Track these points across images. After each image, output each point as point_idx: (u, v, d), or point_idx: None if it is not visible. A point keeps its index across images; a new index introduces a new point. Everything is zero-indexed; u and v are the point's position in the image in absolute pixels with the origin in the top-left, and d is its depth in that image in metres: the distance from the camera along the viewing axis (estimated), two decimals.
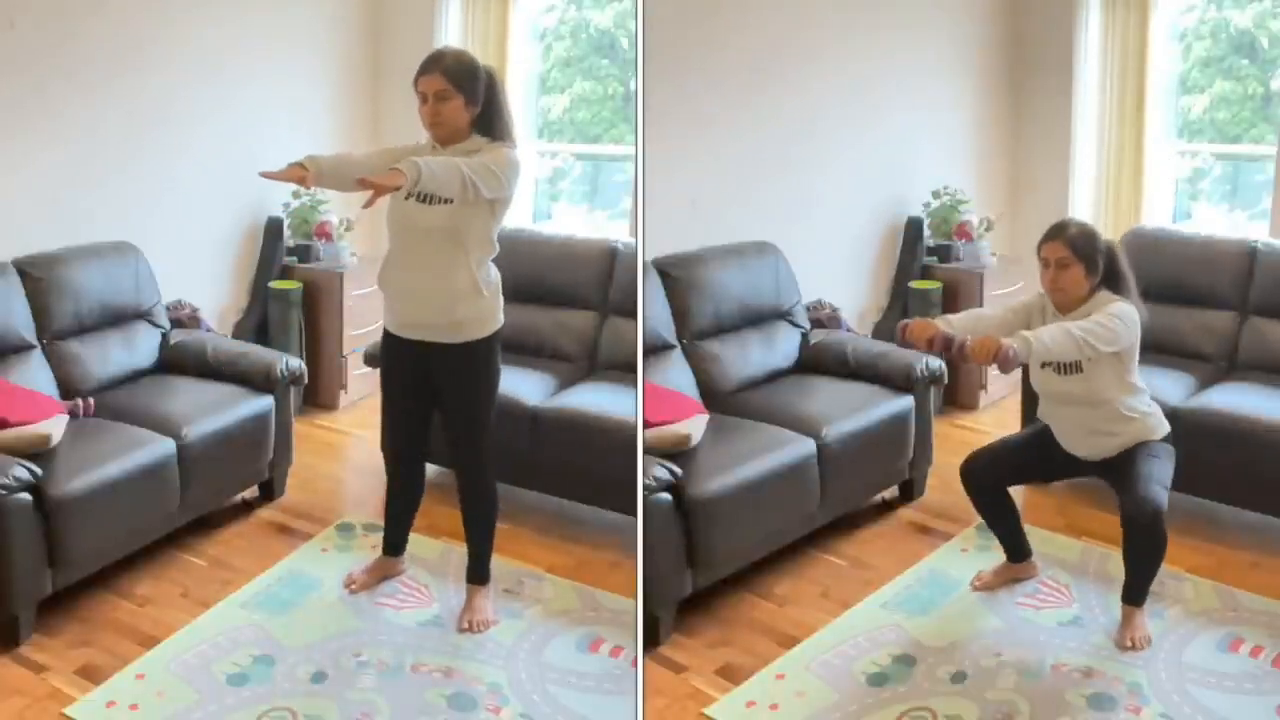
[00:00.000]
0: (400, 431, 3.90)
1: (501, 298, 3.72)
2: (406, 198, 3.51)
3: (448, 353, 3.66)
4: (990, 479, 3.92)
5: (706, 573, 3.88)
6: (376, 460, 4.36)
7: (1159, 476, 3.65)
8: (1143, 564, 3.67)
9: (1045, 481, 4.16)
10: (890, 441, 4.51)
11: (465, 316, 3.64)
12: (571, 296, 4.87)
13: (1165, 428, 3.76)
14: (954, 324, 3.66)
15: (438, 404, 3.77)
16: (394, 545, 4.04)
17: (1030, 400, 4.03)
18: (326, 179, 3.59)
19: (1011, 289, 5.30)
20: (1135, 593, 3.72)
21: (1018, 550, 4.02)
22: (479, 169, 3.45)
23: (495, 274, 3.70)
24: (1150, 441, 3.72)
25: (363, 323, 5.19)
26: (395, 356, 3.78)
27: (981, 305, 5.31)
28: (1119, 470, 3.71)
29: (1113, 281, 3.69)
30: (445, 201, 3.50)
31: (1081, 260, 3.64)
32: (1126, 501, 3.62)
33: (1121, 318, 3.58)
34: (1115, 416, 3.69)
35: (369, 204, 3.29)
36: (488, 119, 3.60)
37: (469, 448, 3.78)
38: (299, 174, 3.51)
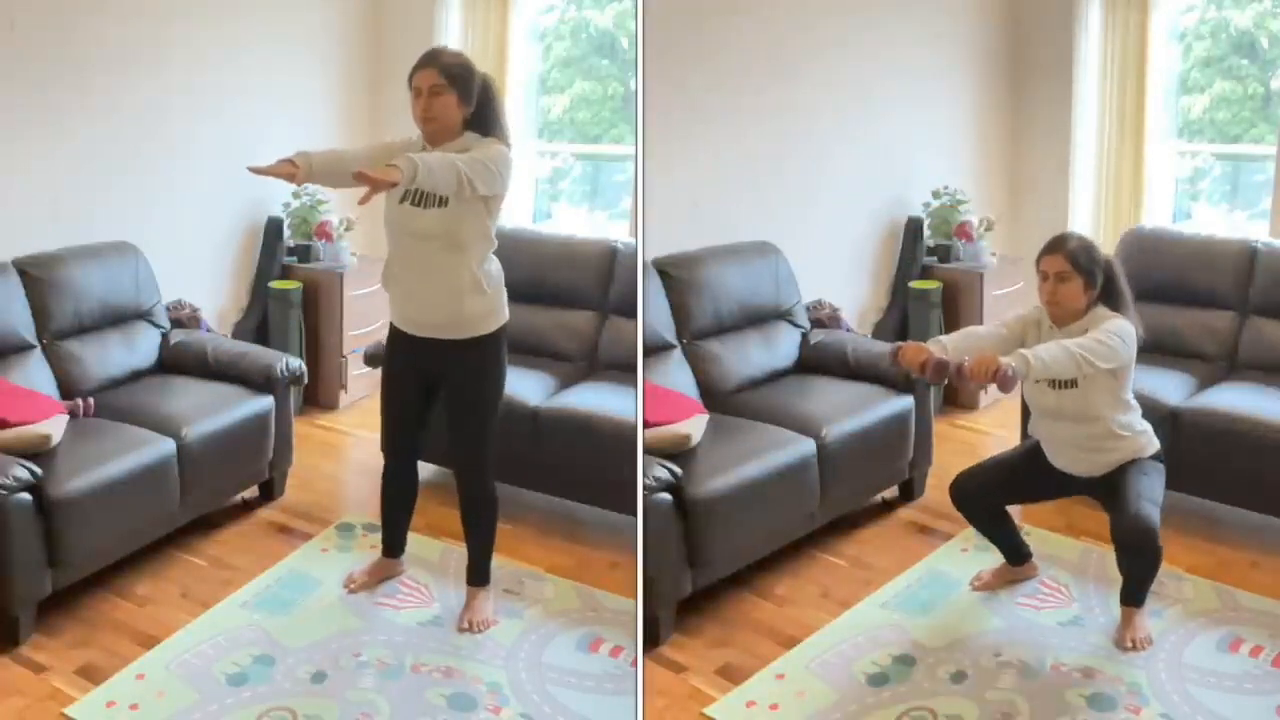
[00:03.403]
0: (399, 430, 3.90)
1: (505, 292, 3.72)
2: (401, 201, 3.54)
3: (454, 349, 3.67)
4: (982, 501, 3.91)
5: (706, 573, 3.88)
6: (376, 460, 4.36)
7: (1149, 494, 3.62)
8: (1138, 574, 3.68)
9: (1035, 501, 4.11)
10: (890, 441, 4.51)
11: (469, 313, 3.64)
12: (571, 296, 4.87)
13: (1155, 445, 3.73)
14: (948, 345, 3.60)
15: (442, 401, 3.78)
16: (393, 546, 4.04)
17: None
18: (317, 175, 3.57)
19: (1011, 289, 5.30)
20: (1133, 595, 3.71)
21: (1016, 553, 4.02)
22: (473, 165, 3.44)
23: (497, 269, 3.70)
24: (1141, 460, 3.70)
25: (363, 323, 5.20)
26: (401, 352, 3.78)
27: (981, 306, 5.32)
28: (1110, 488, 3.69)
29: (1110, 296, 3.67)
30: (440, 205, 3.51)
31: (1081, 274, 3.62)
32: (1118, 521, 3.61)
33: (1120, 335, 3.56)
34: (1107, 434, 3.66)
35: (364, 200, 3.28)
36: (481, 119, 3.59)
37: (472, 447, 3.78)
38: (288, 170, 3.49)
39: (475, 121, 3.59)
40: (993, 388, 5.25)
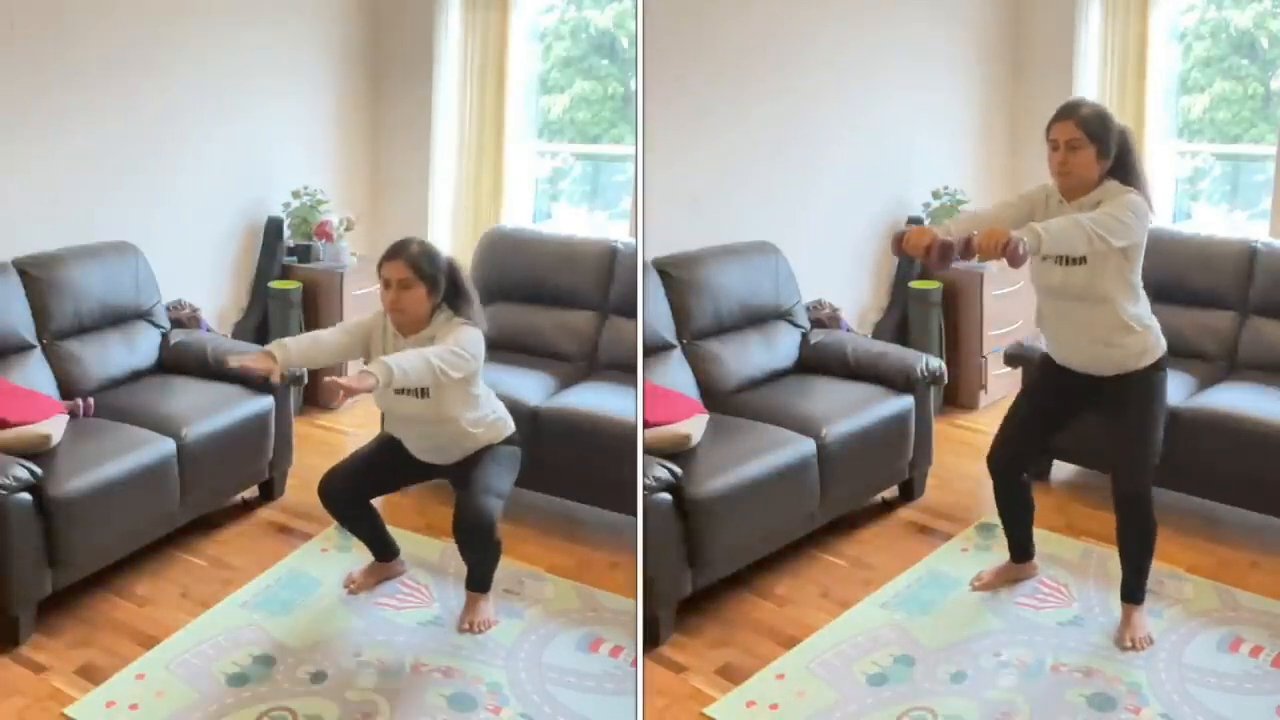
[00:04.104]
0: (363, 483, 3.92)
1: (501, 411, 3.86)
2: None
3: (462, 461, 3.83)
4: (1020, 458, 3.86)
5: (706, 572, 3.88)
6: None
7: (1148, 436, 3.58)
8: (1133, 548, 3.67)
9: (1060, 425, 3.85)
10: (890, 441, 4.51)
11: (471, 445, 3.81)
12: (571, 296, 4.87)
13: (1163, 346, 3.60)
14: (952, 229, 3.46)
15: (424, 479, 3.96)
16: (381, 553, 4.05)
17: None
18: (295, 363, 3.68)
19: (1011, 289, 5.30)
20: (1133, 589, 3.72)
21: (1023, 549, 4.01)
22: (444, 355, 3.55)
23: (488, 409, 3.82)
24: (1146, 374, 3.58)
25: None
26: (399, 448, 3.89)
27: (981, 305, 5.33)
28: (1111, 408, 3.61)
29: (1123, 170, 3.51)
30: (422, 395, 3.63)
31: (1094, 142, 3.46)
32: (1116, 485, 3.60)
33: (1134, 210, 3.41)
34: (1117, 323, 3.53)
35: (339, 403, 3.36)
36: (452, 300, 3.71)
37: (480, 511, 3.74)
38: (267, 365, 3.57)
39: (446, 300, 3.71)
40: (992, 385, 5.34)
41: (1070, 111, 3.51)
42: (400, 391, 3.62)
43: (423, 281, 3.65)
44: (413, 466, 3.88)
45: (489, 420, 3.82)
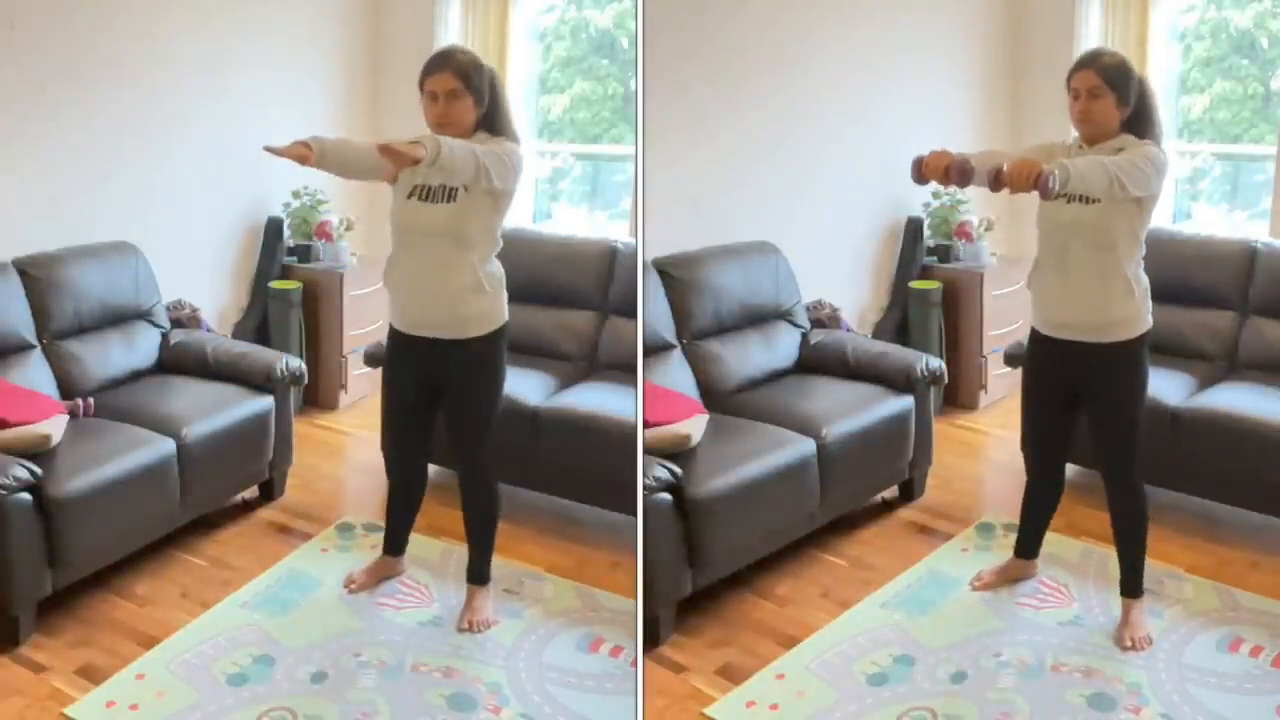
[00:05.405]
0: (401, 431, 3.90)
1: (505, 295, 3.72)
2: (409, 196, 3.55)
3: (452, 349, 3.67)
4: (1052, 447, 3.84)
5: (706, 572, 3.88)
6: (376, 460, 4.38)
7: (1135, 413, 3.59)
8: (1126, 534, 3.68)
9: (1068, 413, 3.75)
10: (890, 441, 4.51)
11: (469, 313, 3.64)
12: (571, 296, 4.87)
13: (1150, 321, 3.60)
14: (973, 161, 3.45)
15: (441, 403, 3.77)
16: (395, 545, 4.04)
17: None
18: (329, 159, 3.49)
19: (1011, 289, 5.29)
20: (1130, 582, 3.72)
21: (1028, 547, 4.00)
22: (490, 155, 3.45)
23: (500, 272, 3.70)
24: (1134, 346, 3.57)
25: (363, 323, 5.20)
26: (400, 354, 3.78)
27: (982, 306, 5.32)
28: (1097, 383, 3.61)
29: (1142, 119, 3.53)
30: (448, 200, 3.52)
31: (1114, 90, 3.49)
32: (1107, 458, 3.63)
33: (1154, 162, 3.43)
34: (1116, 277, 3.51)
35: (388, 177, 3.27)
36: (491, 117, 3.60)
37: (471, 447, 3.78)
38: (302, 152, 3.42)
39: (486, 120, 3.60)
40: (992, 385, 5.34)
41: (1091, 60, 3.55)
42: (425, 199, 3.53)
43: (470, 92, 3.54)
44: (423, 372, 3.72)
45: (496, 279, 3.66)
